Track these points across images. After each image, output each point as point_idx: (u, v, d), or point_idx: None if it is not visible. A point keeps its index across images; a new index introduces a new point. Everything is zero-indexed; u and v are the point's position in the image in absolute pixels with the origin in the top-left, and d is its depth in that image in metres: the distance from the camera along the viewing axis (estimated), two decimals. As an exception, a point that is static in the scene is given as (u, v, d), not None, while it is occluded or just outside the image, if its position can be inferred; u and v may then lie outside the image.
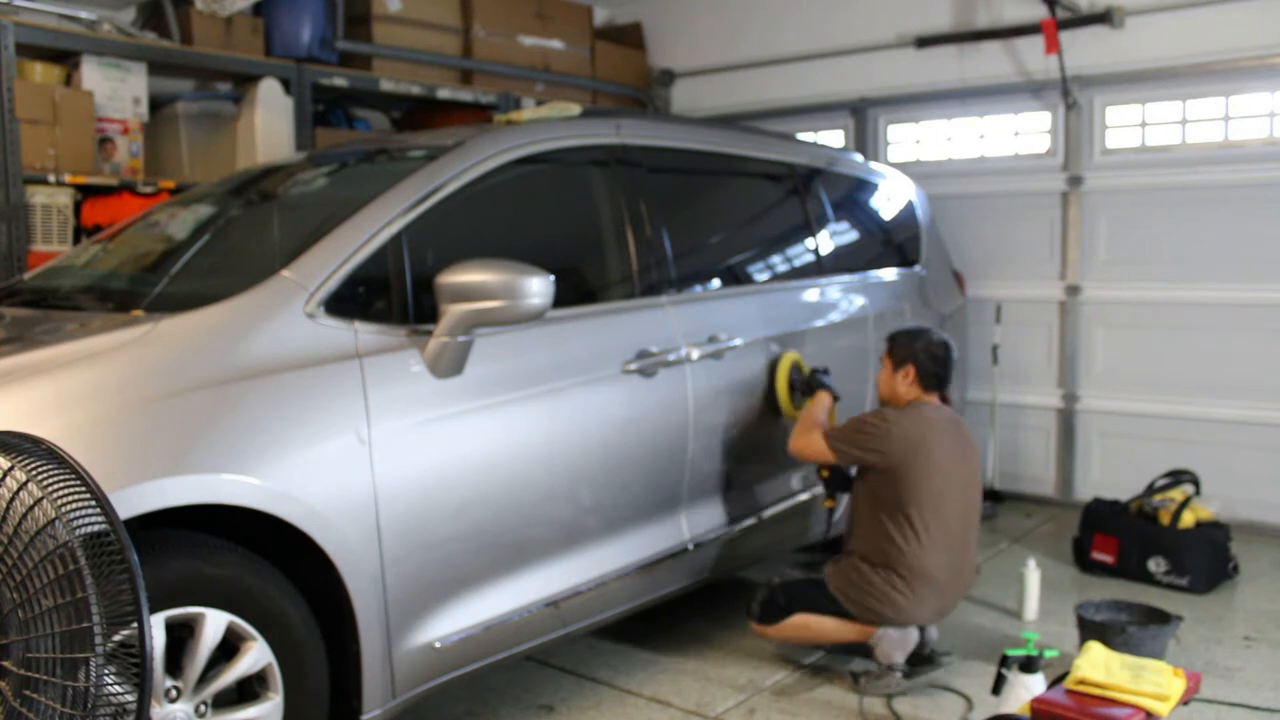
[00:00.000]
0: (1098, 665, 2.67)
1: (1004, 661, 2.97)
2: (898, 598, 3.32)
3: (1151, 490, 4.57)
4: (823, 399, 3.67)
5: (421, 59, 5.64)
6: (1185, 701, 2.69)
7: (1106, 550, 4.49)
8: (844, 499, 3.78)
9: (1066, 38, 5.36)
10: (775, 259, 4.24)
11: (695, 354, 3.41)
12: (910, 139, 6.19)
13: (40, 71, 4.38)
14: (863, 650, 3.45)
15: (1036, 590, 4.00)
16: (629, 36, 7.00)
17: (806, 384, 3.76)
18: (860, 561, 3.38)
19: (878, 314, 4.41)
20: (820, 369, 3.80)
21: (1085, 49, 5.39)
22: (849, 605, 3.36)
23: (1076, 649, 3.28)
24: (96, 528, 1.67)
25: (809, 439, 3.49)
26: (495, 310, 2.63)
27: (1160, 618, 3.47)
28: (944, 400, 3.65)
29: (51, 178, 4.21)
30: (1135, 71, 5.30)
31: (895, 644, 3.33)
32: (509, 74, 6.01)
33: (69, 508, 1.66)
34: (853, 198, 4.76)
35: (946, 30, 5.87)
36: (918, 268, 4.94)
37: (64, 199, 4.27)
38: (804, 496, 3.98)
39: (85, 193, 4.39)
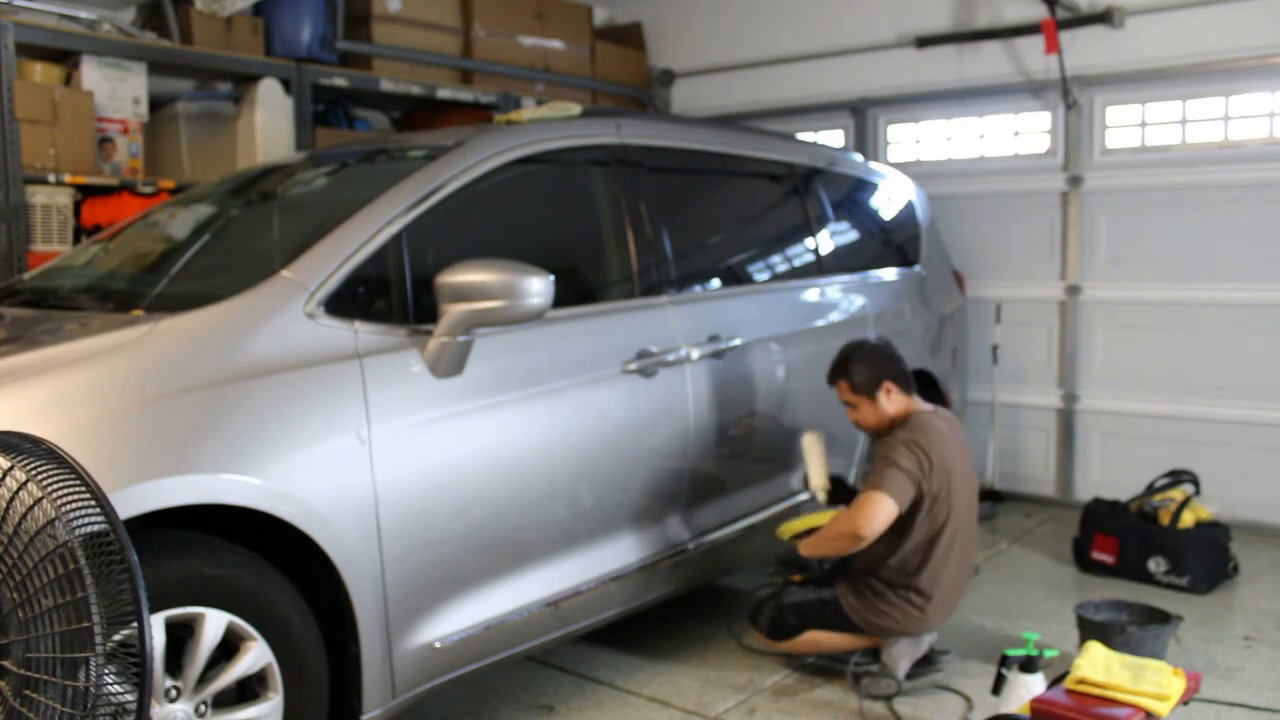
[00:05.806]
0: (1098, 665, 2.67)
1: (1004, 661, 2.97)
2: (915, 614, 3.30)
3: (1151, 490, 4.57)
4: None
5: (421, 59, 5.63)
6: (1185, 701, 2.69)
7: (1106, 550, 4.49)
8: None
9: (1066, 38, 5.36)
10: (775, 259, 4.24)
11: (695, 354, 3.41)
12: (910, 139, 6.19)
13: (40, 71, 4.38)
14: (864, 650, 3.45)
15: (820, 460, 3.58)
16: (629, 36, 6.99)
17: (843, 489, 3.61)
18: (876, 580, 3.34)
19: (878, 314, 4.41)
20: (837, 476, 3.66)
21: (1085, 49, 5.38)
22: (866, 626, 3.34)
23: (1076, 649, 3.28)
24: (96, 528, 1.66)
25: (869, 512, 3.13)
26: (495, 310, 2.63)
27: (1160, 618, 3.47)
28: (944, 403, 3.61)
29: (51, 178, 4.21)
30: (1135, 71, 5.30)
31: (906, 651, 3.32)
32: (509, 74, 6.01)
33: (69, 508, 1.66)
34: (853, 198, 4.76)
35: (946, 30, 5.86)
36: (918, 268, 4.94)
37: (64, 199, 4.27)
38: (804, 496, 3.97)
39: (85, 193, 4.39)
